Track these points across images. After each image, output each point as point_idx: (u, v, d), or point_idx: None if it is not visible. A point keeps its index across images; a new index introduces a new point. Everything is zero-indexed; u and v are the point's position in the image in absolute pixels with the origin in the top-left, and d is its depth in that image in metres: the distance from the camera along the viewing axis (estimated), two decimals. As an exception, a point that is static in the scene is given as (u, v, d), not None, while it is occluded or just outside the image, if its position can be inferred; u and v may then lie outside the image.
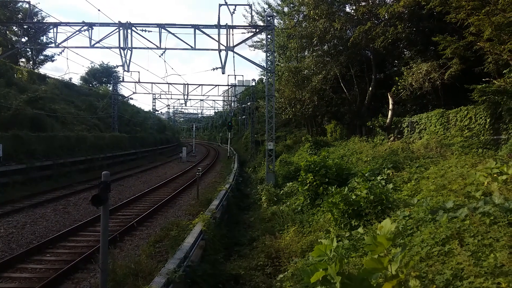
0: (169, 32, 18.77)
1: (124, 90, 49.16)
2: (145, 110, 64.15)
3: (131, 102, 57.67)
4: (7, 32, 36.15)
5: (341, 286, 2.08)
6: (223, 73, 19.45)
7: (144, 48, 19.76)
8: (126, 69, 19.46)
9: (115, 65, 55.32)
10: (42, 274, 7.86)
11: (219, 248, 9.17)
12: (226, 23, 18.70)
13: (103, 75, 54.85)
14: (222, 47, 18.67)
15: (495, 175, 7.17)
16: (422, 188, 8.97)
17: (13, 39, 34.84)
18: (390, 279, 2.02)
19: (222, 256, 8.64)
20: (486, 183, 7.15)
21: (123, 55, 19.07)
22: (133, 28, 18.97)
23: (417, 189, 9.11)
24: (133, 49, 19.32)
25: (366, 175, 11.33)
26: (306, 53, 27.57)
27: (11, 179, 17.50)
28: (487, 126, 12.95)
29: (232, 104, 63.86)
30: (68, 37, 19.69)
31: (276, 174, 19.15)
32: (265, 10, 30.29)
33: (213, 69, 22.62)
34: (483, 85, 12.36)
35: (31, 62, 42.89)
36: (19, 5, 35.95)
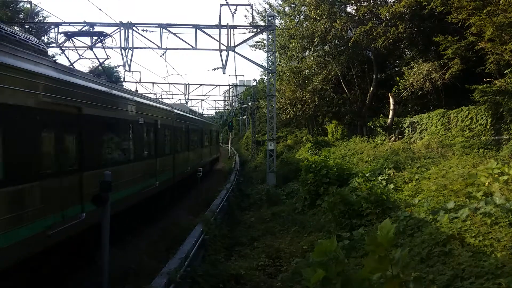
0: (170, 32, 18.75)
1: (125, 90, 49.09)
2: (146, 110, 64.05)
3: (132, 102, 57.54)
4: (9, 32, 36.22)
5: (342, 286, 2.08)
6: (224, 73, 19.41)
7: (145, 48, 19.77)
8: (127, 69, 19.48)
9: (116, 65, 55.39)
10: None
11: (220, 248, 9.16)
12: (227, 23, 18.68)
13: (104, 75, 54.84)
14: (223, 47, 18.65)
15: (496, 176, 7.17)
16: (423, 188, 8.96)
17: (15, 39, 34.86)
18: (391, 280, 2.01)
19: (223, 256, 8.63)
20: (487, 183, 7.14)
21: (124, 55, 19.07)
22: (134, 28, 18.95)
23: (418, 190, 9.10)
24: (134, 49, 19.31)
25: (367, 175, 11.34)
26: (307, 53, 27.55)
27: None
28: (488, 127, 12.94)
29: (233, 104, 63.81)
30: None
31: (277, 174, 19.15)
32: (266, 10, 30.19)
33: (214, 69, 22.69)
34: (484, 85, 12.32)
35: (32, 62, 42.95)
36: (20, 5, 35.98)
